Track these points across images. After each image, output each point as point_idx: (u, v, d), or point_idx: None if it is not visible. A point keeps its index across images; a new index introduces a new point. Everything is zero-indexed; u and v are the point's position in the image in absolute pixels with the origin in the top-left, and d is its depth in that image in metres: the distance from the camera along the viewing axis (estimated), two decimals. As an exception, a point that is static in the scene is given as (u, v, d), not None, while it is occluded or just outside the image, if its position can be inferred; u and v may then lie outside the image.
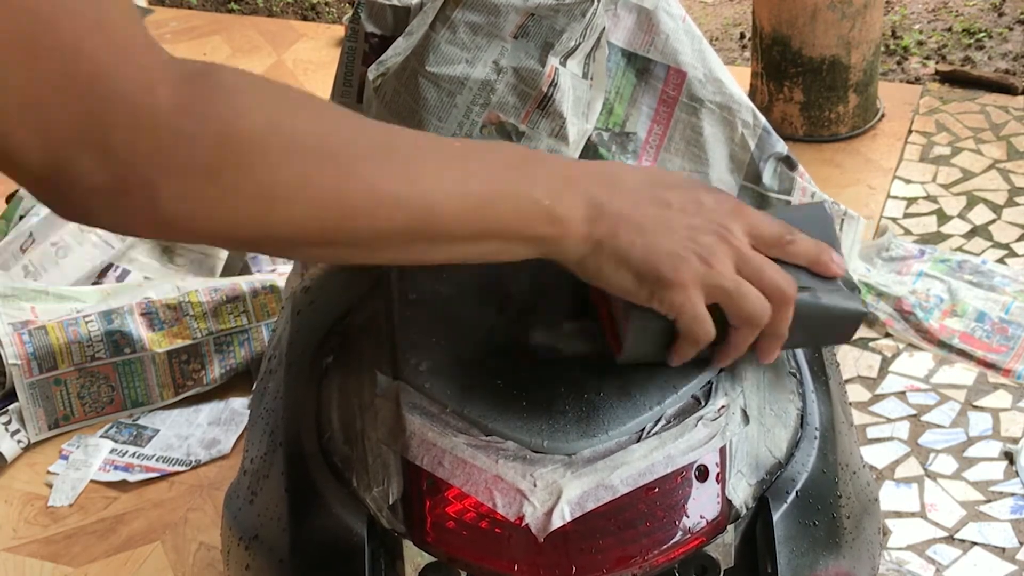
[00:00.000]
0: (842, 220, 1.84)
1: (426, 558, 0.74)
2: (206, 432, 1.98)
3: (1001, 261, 2.25)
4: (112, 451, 1.96)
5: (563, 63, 1.52)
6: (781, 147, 1.73)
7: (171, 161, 0.57)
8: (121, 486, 1.90)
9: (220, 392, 2.06)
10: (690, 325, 0.71)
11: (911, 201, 2.45)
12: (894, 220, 2.39)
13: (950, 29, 3.13)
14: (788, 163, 1.74)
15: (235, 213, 0.60)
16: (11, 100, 0.54)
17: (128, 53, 0.57)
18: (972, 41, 3.06)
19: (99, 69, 0.55)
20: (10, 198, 2.39)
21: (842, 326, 0.77)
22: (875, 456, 1.86)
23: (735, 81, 1.70)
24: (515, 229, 0.68)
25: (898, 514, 1.76)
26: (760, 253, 0.73)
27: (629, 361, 0.75)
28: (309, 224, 0.62)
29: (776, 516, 0.76)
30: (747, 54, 3.05)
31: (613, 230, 0.70)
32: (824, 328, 0.77)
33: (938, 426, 1.91)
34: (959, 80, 2.86)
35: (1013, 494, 1.78)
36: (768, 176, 1.73)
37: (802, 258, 0.75)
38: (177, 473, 1.92)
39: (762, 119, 1.71)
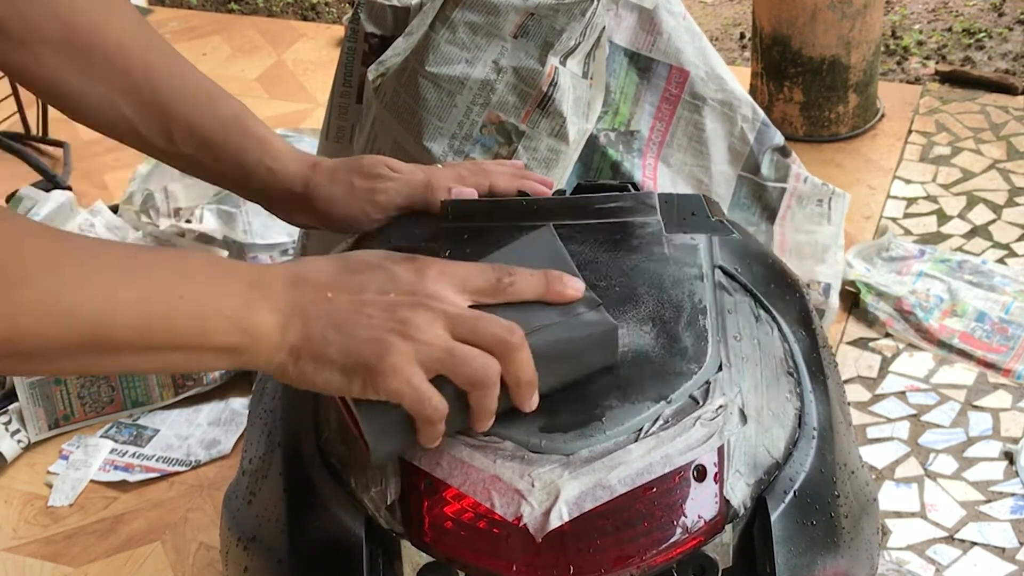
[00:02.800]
0: (830, 199, 1.87)
1: (424, 558, 0.74)
2: (206, 432, 1.98)
3: (1001, 261, 2.25)
4: (112, 451, 1.96)
5: (563, 62, 1.53)
6: (779, 139, 1.76)
7: None
8: (121, 486, 1.91)
9: (220, 392, 2.06)
10: (416, 408, 0.68)
11: (911, 201, 2.45)
12: (894, 220, 2.39)
13: (950, 29, 3.13)
14: (783, 152, 1.77)
15: None
16: None
17: None
18: (972, 41, 3.06)
19: None
20: (10, 198, 2.39)
21: (598, 346, 0.75)
22: (875, 456, 1.86)
23: (734, 77, 1.72)
24: (198, 341, 0.66)
25: (898, 514, 1.76)
26: (479, 308, 0.71)
27: (383, 458, 0.72)
28: None
29: (774, 516, 0.76)
30: (747, 54, 3.05)
31: (306, 331, 0.68)
32: (581, 355, 0.74)
33: (938, 426, 1.91)
34: (959, 80, 2.86)
35: (1013, 494, 1.78)
36: (766, 166, 1.75)
37: (529, 294, 0.73)
38: (177, 473, 1.92)
39: (761, 113, 1.73)
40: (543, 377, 0.72)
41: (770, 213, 1.79)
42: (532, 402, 0.72)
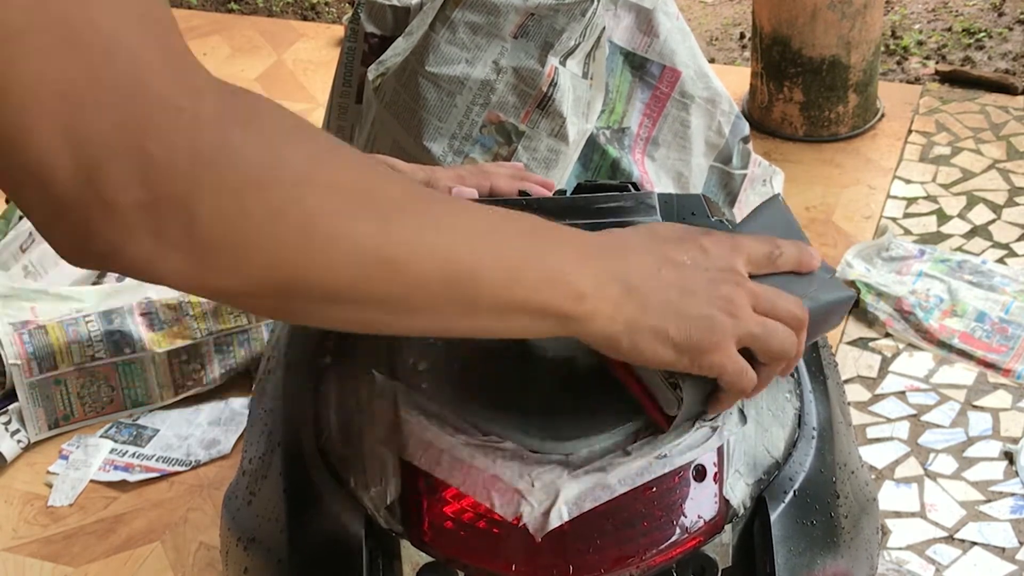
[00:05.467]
0: (771, 177, 1.90)
1: (424, 558, 0.74)
2: (206, 432, 1.98)
3: (1001, 261, 2.25)
4: (112, 451, 1.96)
5: (563, 63, 1.53)
6: (747, 129, 1.77)
7: (214, 174, 0.51)
8: (121, 486, 1.91)
9: (220, 392, 2.06)
10: (734, 380, 0.71)
11: (911, 201, 2.45)
12: (894, 220, 2.39)
13: (950, 29, 3.14)
14: (746, 140, 1.78)
15: (275, 245, 0.55)
16: (44, 91, 0.48)
17: (171, 56, 0.52)
18: (972, 41, 3.06)
19: (140, 67, 0.50)
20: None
21: (838, 314, 0.79)
22: (875, 456, 1.86)
23: (714, 72, 1.74)
24: (544, 303, 0.65)
25: (898, 514, 1.76)
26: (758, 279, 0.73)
27: (691, 420, 0.74)
28: (346, 272, 0.57)
29: (774, 516, 0.76)
30: (747, 54, 3.05)
31: (642, 305, 0.68)
32: (823, 322, 0.78)
33: (938, 426, 1.91)
34: (959, 80, 2.86)
35: (1013, 494, 1.78)
36: (736, 156, 1.76)
37: (789, 265, 0.75)
38: (177, 473, 1.92)
39: (735, 107, 1.74)
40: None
41: (732, 199, 1.80)
42: (790, 370, 0.75)
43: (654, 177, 1.68)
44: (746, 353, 0.71)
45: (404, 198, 0.61)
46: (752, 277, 0.73)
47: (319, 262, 0.57)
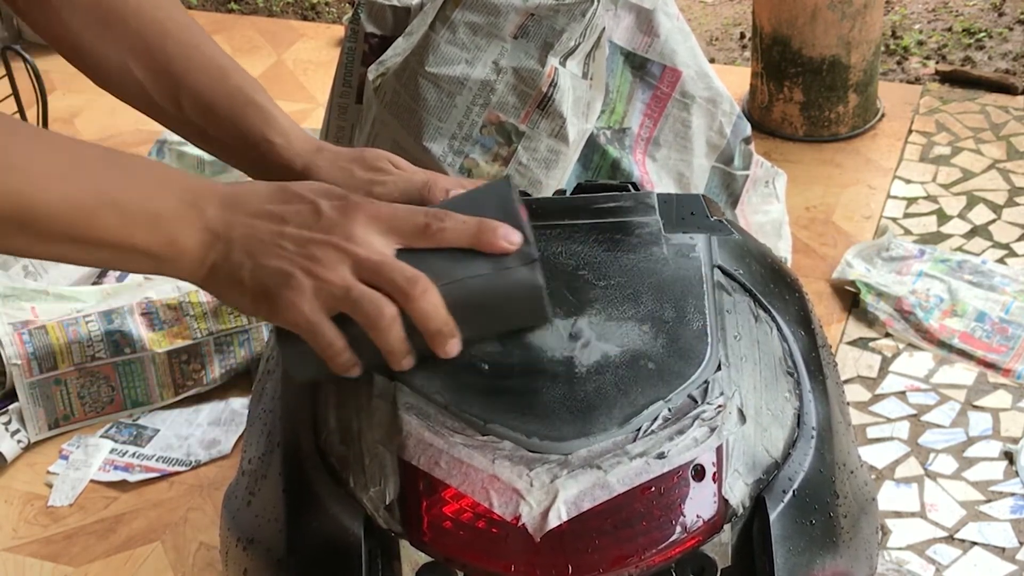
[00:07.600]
0: (774, 179, 1.90)
1: (423, 558, 0.74)
2: (206, 432, 1.99)
3: (1001, 261, 2.25)
4: (112, 451, 1.96)
5: (563, 63, 1.53)
6: (748, 130, 1.78)
7: None
8: (121, 486, 1.91)
9: (220, 392, 2.06)
10: (310, 340, 0.72)
11: (911, 201, 2.45)
12: (894, 220, 2.39)
13: (950, 29, 3.14)
14: (747, 141, 1.78)
15: None
16: None
17: None
18: (972, 41, 3.06)
19: None
20: (10, 198, 2.39)
21: (523, 304, 0.75)
22: (875, 456, 1.86)
23: (715, 72, 1.74)
24: (125, 242, 0.70)
25: (898, 514, 1.76)
26: (409, 252, 0.73)
27: (304, 379, 0.77)
28: None
29: (773, 516, 0.76)
30: (747, 54, 3.05)
31: (225, 253, 0.72)
32: (503, 309, 0.75)
33: (938, 426, 1.91)
34: (959, 80, 2.86)
35: (1013, 494, 1.78)
36: (737, 157, 1.76)
37: (458, 241, 0.74)
38: (177, 473, 1.92)
39: (736, 107, 1.74)
40: (463, 326, 0.73)
41: (734, 200, 1.80)
42: (447, 349, 0.74)
43: (655, 177, 1.68)
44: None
45: None
46: (413, 251, 0.73)
47: None
